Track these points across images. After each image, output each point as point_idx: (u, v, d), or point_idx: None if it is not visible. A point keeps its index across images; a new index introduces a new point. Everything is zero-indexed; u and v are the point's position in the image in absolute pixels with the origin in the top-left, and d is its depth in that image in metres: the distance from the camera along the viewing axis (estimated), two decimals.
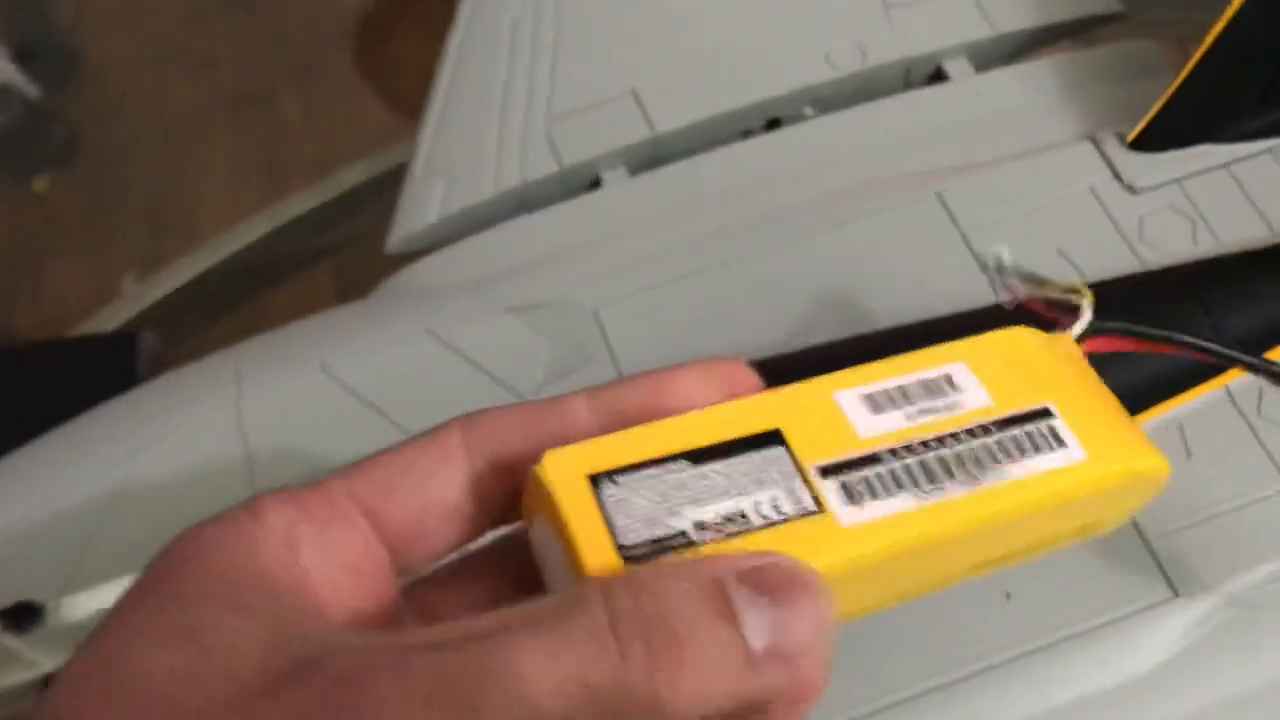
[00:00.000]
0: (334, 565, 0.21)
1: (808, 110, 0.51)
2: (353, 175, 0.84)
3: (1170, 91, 0.45)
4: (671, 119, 0.49)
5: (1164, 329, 0.42)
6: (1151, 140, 0.46)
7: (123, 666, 0.18)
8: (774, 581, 0.19)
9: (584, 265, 0.46)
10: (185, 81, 1.21)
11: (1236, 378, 0.42)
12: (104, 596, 0.40)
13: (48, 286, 1.13)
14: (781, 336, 0.43)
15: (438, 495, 0.21)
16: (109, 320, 0.82)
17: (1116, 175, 0.46)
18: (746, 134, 0.51)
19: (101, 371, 0.55)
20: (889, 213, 0.46)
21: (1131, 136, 0.46)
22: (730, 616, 0.19)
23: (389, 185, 0.71)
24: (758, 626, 0.19)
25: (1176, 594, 0.38)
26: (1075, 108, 0.49)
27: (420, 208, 0.48)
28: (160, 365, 0.55)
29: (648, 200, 0.48)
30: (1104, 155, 0.46)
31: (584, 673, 0.18)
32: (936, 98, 0.50)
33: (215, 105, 1.20)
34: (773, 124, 0.51)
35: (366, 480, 0.22)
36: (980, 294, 0.44)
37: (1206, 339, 0.33)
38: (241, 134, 1.18)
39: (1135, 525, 0.39)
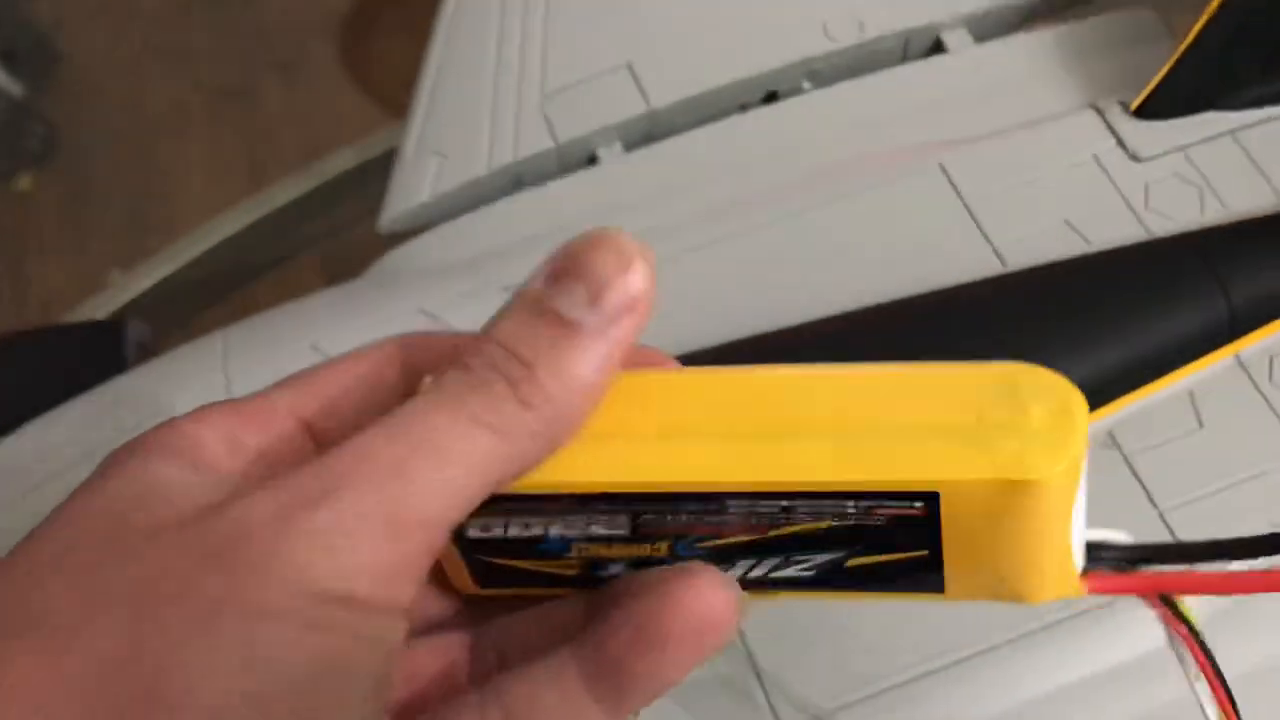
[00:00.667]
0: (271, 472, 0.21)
1: (805, 83, 0.50)
2: (337, 164, 0.83)
3: (1174, 58, 0.45)
4: (667, 93, 0.48)
5: (1174, 298, 0.41)
6: (1156, 108, 0.45)
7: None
8: (567, 261, 0.21)
9: None
10: (165, 77, 1.20)
11: (1247, 345, 0.41)
12: None
13: (31, 285, 1.12)
14: (783, 314, 0.42)
15: (372, 410, 0.22)
16: (94, 314, 0.81)
17: (1121, 143, 0.45)
18: (744, 108, 0.50)
19: (89, 359, 0.54)
20: (890, 186, 0.45)
21: (1135, 104, 0.45)
22: (551, 313, 0.21)
23: (374, 174, 0.70)
24: (578, 303, 0.21)
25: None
26: (1077, 77, 0.48)
27: (413, 186, 0.47)
28: (148, 354, 0.54)
29: (644, 176, 0.47)
30: (1108, 123, 0.46)
31: (476, 414, 0.20)
32: (936, 70, 0.49)
33: (195, 101, 1.19)
34: (770, 97, 0.50)
35: (306, 393, 0.23)
36: (986, 263, 0.43)
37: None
38: (222, 130, 1.17)
39: (1146, 497, 0.39)
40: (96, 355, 0.53)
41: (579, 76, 0.49)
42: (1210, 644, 0.34)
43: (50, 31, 1.21)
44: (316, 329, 0.42)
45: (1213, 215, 0.43)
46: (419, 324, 0.43)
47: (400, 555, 0.20)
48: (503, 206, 0.47)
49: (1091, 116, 0.46)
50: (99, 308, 0.82)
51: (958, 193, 0.44)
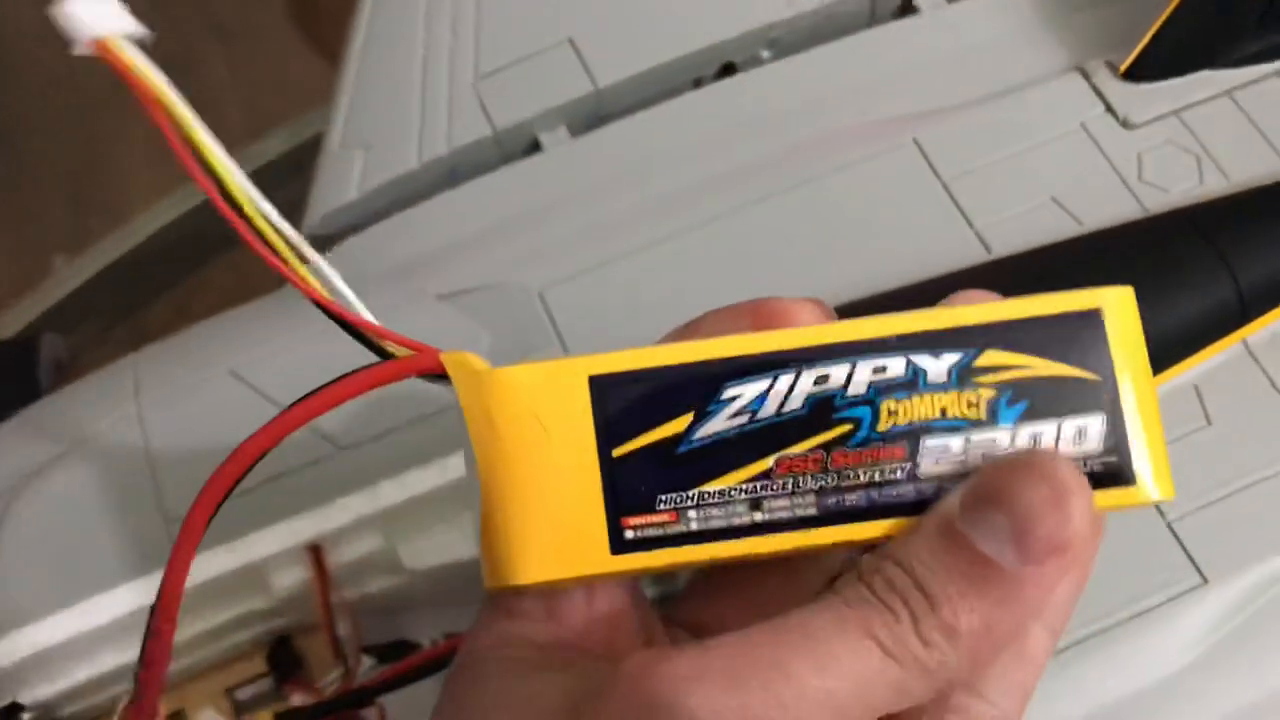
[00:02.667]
0: (597, 631, 0.23)
1: (764, 53, 0.46)
2: (289, 135, 0.79)
3: (1166, 14, 0.41)
4: (614, 70, 0.44)
5: (1175, 283, 0.38)
6: (1147, 68, 0.42)
7: None
8: (990, 486, 0.20)
9: (525, 242, 0.41)
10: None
11: (1256, 331, 0.38)
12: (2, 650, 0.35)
13: None
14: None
15: None
16: (38, 305, 0.78)
17: (1109, 109, 0.42)
18: (698, 83, 0.46)
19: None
20: (860, 166, 0.41)
21: (1124, 66, 0.42)
22: (964, 544, 0.19)
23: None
24: (996, 537, 0.19)
25: (1205, 580, 0.34)
26: (1060, 36, 0.44)
27: (338, 183, 0.43)
28: (64, 371, 0.50)
29: (593, 163, 0.43)
30: (1094, 87, 0.42)
31: (872, 631, 0.19)
32: (906, 33, 0.45)
33: None
34: (727, 70, 0.46)
35: None
36: (968, 252, 0.39)
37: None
38: None
39: (1154, 507, 0.35)
40: (9, 376, 0.49)
41: (516, 55, 0.45)
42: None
43: None
44: (235, 353, 0.39)
45: (1213, 186, 0.40)
46: (345, 342, 0.39)
47: None
48: (437, 204, 0.43)
49: (1077, 80, 0.42)
50: (41, 299, 0.78)
51: (934, 171, 0.41)
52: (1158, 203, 0.40)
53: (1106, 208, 0.40)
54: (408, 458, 0.36)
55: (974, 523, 0.20)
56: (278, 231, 0.22)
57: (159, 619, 0.22)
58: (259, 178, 0.66)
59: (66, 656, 0.35)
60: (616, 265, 0.40)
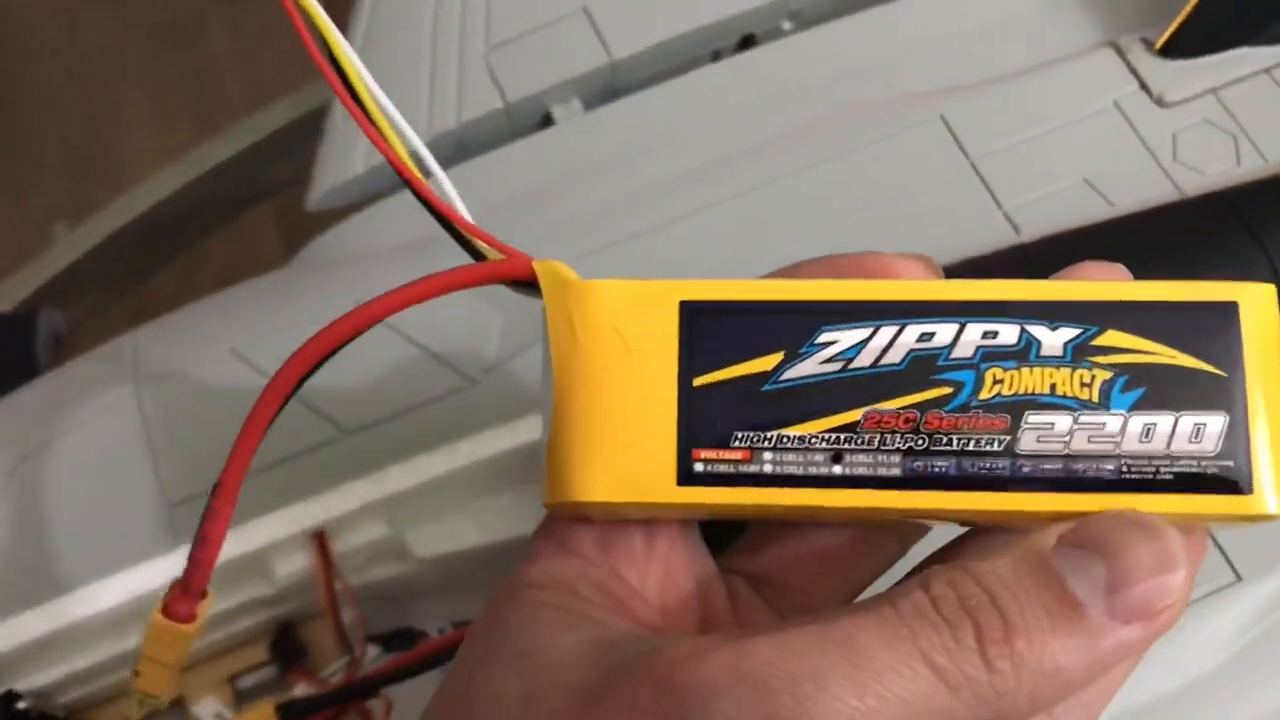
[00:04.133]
0: (652, 578, 0.22)
1: (786, 24, 0.45)
2: (292, 106, 0.78)
3: None
4: (630, 42, 0.43)
5: (1211, 268, 0.36)
6: (1183, 45, 0.40)
7: (476, 696, 0.20)
8: (1097, 532, 0.19)
9: (537, 218, 0.40)
10: (99, 17, 1.13)
11: None
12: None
13: None
14: None
15: None
16: (36, 278, 0.77)
17: (1144, 87, 0.40)
18: (716, 56, 0.44)
19: None
20: (885, 143, 0.40)
21: (1160, 42, 0.41)
22: (1055, 579, 0.18)
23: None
24: (1091, 584, 0.18)
25: (1239, 577, 0.33)
26: (1093, 11, 0.43)
27: (343, 158, 0.42)
28: (62, 345, 0.49)
29: (606, 138, 0.42)
30: (1128, 64, 0.41)
31: (925, 650, 0.18)
32: (933, 5, 0.43)
33: (134, 41, 1.12)
34: (747, 42, 0.45)
35: None
36: (996, 232, 0.38)
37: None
38: (164, 71, 1.10)
39: None
40: (6, 350, 0.48)
41: (529, 25, 0.43)
42: None
43: None
44: (235, 331, 0.37)
45: (1250, 167, 0.39)
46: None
47: None
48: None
49: (1110, 56, 0.41)
50: (41, 269, 0.77)
51: (962, 149, 0.39)
52: (1193, 184, 0.38)
53: (1140, 189, 0.38)
54: (415, 443, 0.35)
55: (1072, 563, 0.19)
56: (390, 122, 0.22)
57: (219, 499, 0.21)
58: (262, 148, 0.64)
59: (63, 644, 0.34)
60: (630, 244, 0.39)
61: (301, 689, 0.35)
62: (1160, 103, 0.40)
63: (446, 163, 0.42)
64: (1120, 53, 0.41)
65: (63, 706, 0.36)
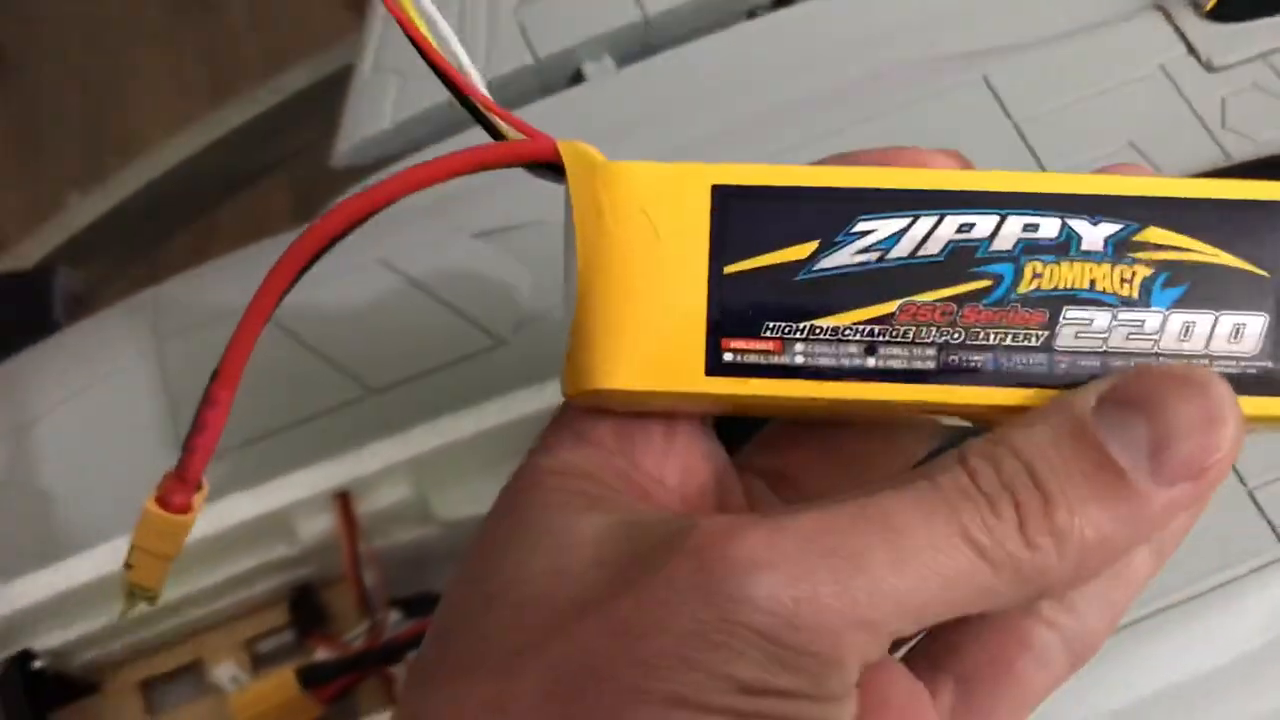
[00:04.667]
0: (671, 471, 0.21)
1: None
2: (307, 74, 0.77)
3: None
4: None
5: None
6: (1232, 7, 0.40)
7: (498, 575, 0.19)
8: (1138, 390, 0.18)
9: None
10: None
11: None
12: (6, 597, 0.34)
13: None
14: None
15: None
16: (54, 237, 0.76)
17: (1192, 50, 0.39)
18: (751, 13, 0.43)
19: (13, 313, 0.48)
20: (926, 104, 0.39)
21: (1209, 4, 0.39)
22: (1094, 444, 0.18)
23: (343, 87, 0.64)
24: (1133, 446, 0.18)
25: None
26: None
27: (370, 112, 0.41)
28: (80, 304, 0.48)
29: (639, 96, 0.41)
30: (1175, 27, 0.40)
31: (965, 527, 0.17)
32: None
33: (151, 7, 1.11)
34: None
35: None
36: None
37: None
38: (181, 38, 1.10)
39: (1234, 471, 0.33)
40: (23, 309, 0.47)
41: None
42: None
43: None
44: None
45: None
46: (378, 278, 0.37)
47: (837, 648, 0.17)
48: (474, 135, 0.40)
49: (1157, 19, 0.40)
50: (55, 233, 0.77)
51: (1005, 111, 0.38)
52: (1243, 151, 0.37)
53: (1188, 155, 0.37)
54: (441, 403, 0.34)
55: (1112, 425, 0.18)
56: None
57: (218, 385, 0.20)
58: (274, 115, 0.63)
59: (79, 602, 0.33)
60: None
61: (322, 653, 0.34)
62: (1209, 67, 0.39)
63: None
64: (1168, 16, 0.40)
65: (80, 667, 0.35)
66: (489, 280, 0.37)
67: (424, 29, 0.20)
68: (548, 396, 0.34)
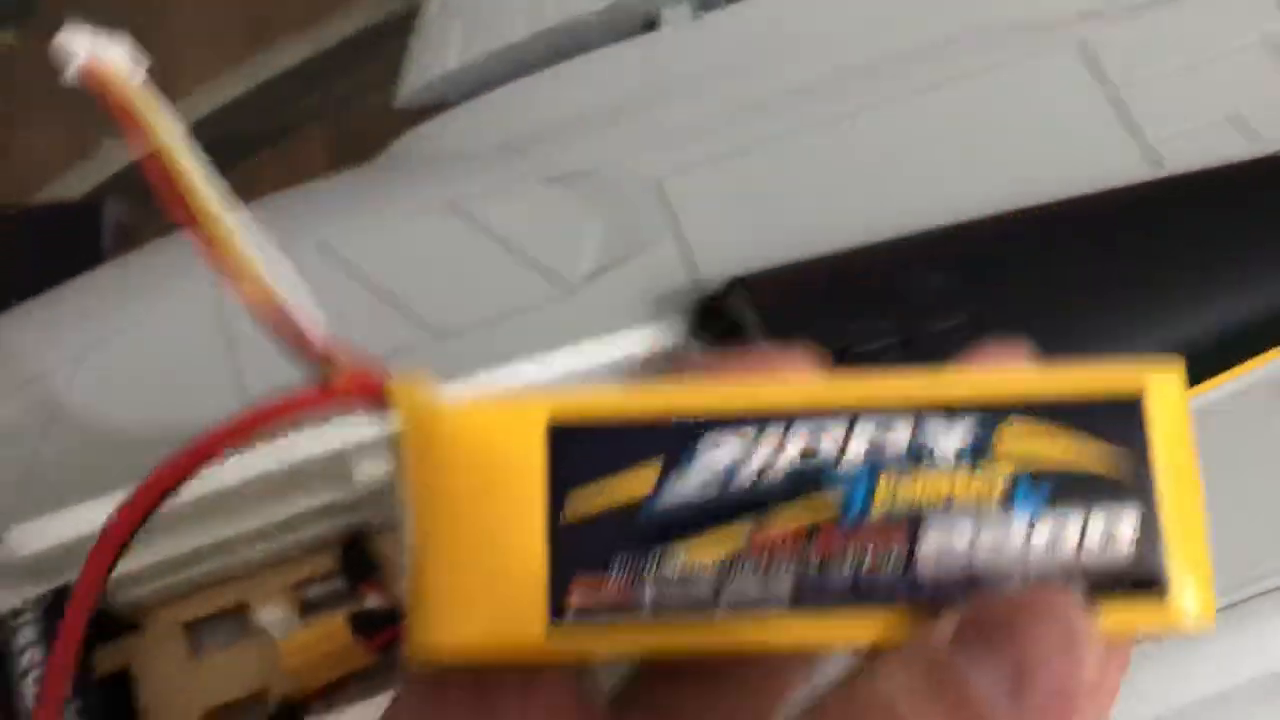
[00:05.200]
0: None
1: None
2: (350, 22, 0.76)
3: None
4: None
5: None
6: None
7: None
8: (988, 618, 0.17)
9: (642, 124, 0.38)
10: None
11: None
12: (57, 528, 0.33)
13: (18, 153, 1.05)
14: (881, 221, 0.35)
15: None
16: (80, 185, 0.76)
17: None
18: None
19: (62, 242, 0.47)
20: (1017, 67, 0.38)
21: None
22: (955, 685, 0.16)
23: (392, 34, 0.63)
24: (991, 678, 0.16)
25: None
26: None
27: (436, 53, 0.40)
28: (127, 235, 0.47)
29: (715, 46, 0.39)
30: None
31: None
32: None
33: None
34: None
35: None
36: (1130, 167, 0.36)
37: None
38: None
39: None
40: (72, 239, 0.46)
41: None
42: None
43: None
44: (322, 224, 0.35)
45: None
46: (445, 221, 0.36)
47: None
48: (545, 79, 0.39)
49: None
50: (86, 178, 0.76)
51: (1101, 77, 0.37)
52: None
53: None
54: (505, 351, 0.33)
55: (972, 657, 0.16)
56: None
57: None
58: (314, 66, 0.62)
59: None
60: (743, 158, 0.37)
61: (374, 601, 0.33)
62: None
63: (544, 62, 0.40)
64: None
65: (123, 605, 0.34)
66: (558, 227, 0.35)
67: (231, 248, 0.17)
68: (614, 349, 0.33)
